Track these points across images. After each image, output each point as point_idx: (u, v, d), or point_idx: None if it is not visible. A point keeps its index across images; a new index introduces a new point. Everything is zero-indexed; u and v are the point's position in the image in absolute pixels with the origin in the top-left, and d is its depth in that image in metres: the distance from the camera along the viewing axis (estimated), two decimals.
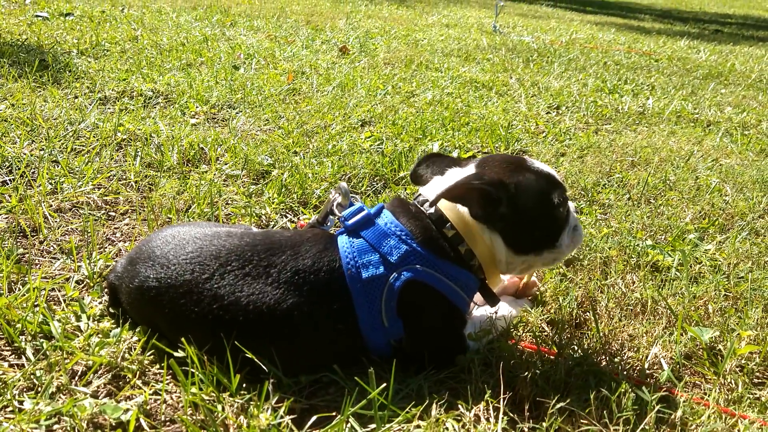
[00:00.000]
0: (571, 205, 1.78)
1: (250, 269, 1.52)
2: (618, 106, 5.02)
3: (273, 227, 2.38)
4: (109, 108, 3.59)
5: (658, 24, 13.31)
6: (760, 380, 1.72)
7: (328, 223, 1.78)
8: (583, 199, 2.92)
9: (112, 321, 1.69)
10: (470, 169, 1.70)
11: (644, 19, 14.44)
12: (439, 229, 1.63)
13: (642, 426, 1.41)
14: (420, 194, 1.73)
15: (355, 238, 1.60)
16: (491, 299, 1.71)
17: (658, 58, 7.82)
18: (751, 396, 1.64)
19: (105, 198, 2.44)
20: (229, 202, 2.51)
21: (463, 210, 1.65)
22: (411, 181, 1.86)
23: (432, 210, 1.65)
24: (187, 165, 2.86)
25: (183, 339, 1.46)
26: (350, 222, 1.63)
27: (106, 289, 1.75)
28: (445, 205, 1.65)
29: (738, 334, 1.84)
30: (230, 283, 1.50)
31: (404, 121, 3.84)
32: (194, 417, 1.39)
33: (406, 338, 1.58)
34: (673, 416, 1.50)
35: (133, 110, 3.55)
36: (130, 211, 2.38)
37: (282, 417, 1.39)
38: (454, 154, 3.33)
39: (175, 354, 1.49)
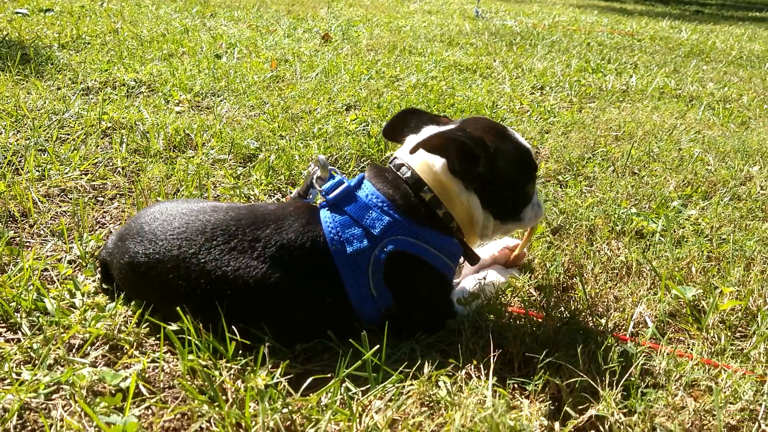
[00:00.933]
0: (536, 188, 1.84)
1: (235, 244, 1.54)
2: (602, 85, 5.07)
3: None
4: (92, 98, 3.58)
5: (640, 6, 13.38)
6: (742, 333, 1.77)
7: (310, 196, 1.78)
8: (568, 173, 2.96)
9: (107, 297, 1.71)
10: (451, 127, 1.70)
11: (626, 1, 14.50)
12: (416, 194, 1.62)
13: (627, 376, 1.45)
14: (396, 157, 1.71)
15: (336, 212, 1.60)
16: (472, 259, 1.73)
17: (640, 38, 7.88)
18: (734, 348, 1.68)
19: (93, 183, 2.45)
20: (217, 184, 2.53)
21: (439, 170, 1.63)
22: (384, 136, 1.84)
23: (408, 174, 1.64)
24: (173, 150, 2.87)
25: (178, 308, 1.48)
26: (331, 196, 1.63)
27: (98, 266, 1.76)
28: (421, 168, 1.64)
29: (720, 291, 1.89)
30: (216, 257, 1.52)
31: (389, 104, 3.86)
32: (193, 382, 1.42)
33: (396, 306, 1.60)
34: (657, 368, 1.54)
35: (117, 100, 3.55)
36: (118, 195, 2.40)
37: (278, 379, 1.41)
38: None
39: (170, 326, 1.51)
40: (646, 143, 3.42)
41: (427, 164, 1.65)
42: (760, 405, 1.45)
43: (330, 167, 1.71)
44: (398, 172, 1.66)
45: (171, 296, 1.54)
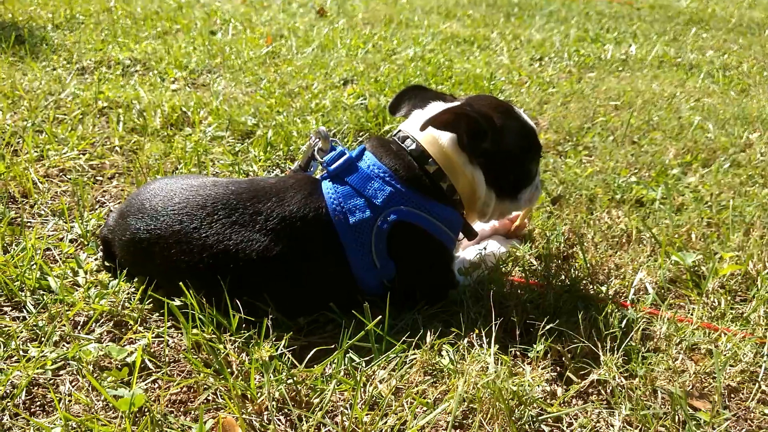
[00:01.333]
0: (539, 170, 1.82)
1: (237, 217, 1.54)
2: (600, 55, 5.03)
3: None
4: (87, 78, 3.56)
5: None
6: (742, 297, 1.78)
7: (312, 168, 1.78)
8: (567, 143, 2.95)
9: (109, 274, 1.72)
10: (458, 103, 1.70)
11: None
12: (421, 166, 1.63)
13: (627, 341, 1.47)
14: (400, 130, 1.71)
15: (338, 183, 1.60)
16: (470, 233, 1.74)
17: (639, 7, 7.80)
18: (734, 312, 1.69)
19: (91, 163, 2.44)
20: (216, 161, 2.52)
21: (445, 144, 1.64)
22: (390, 112, 1.85)
23: (413, 146, 1.64)
24: (170, 128, 2.86)
25: (181, 284, 1.49)
26: (333, 167, 1.63)
27: (100, 244, 1.77)
28: (426, 141, 1.64)
29: (720, 256, 1.89)
30: (219, 231, 1.52)
31: (386, 77, 3.84)
32: (198, 356, 1.43)
33: (398, 277, 1.61)
34: (658, 332, 1.55)
35: (112, 79, 3.53)
36: (117, 174, 2.39)
37: (282, 350, 1.43)
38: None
39: (174, 301, 1.52)
40: (645, 112, 3.41)
41: (432, 137, 1.65)
42: (760, 367, 1.47)
43: (331, 139, 1.71)
44: (403, 144, 1.66)
45: (173, 272, 1.54)
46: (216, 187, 1.60)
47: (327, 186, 1.60)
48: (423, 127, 1.60)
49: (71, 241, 1.90)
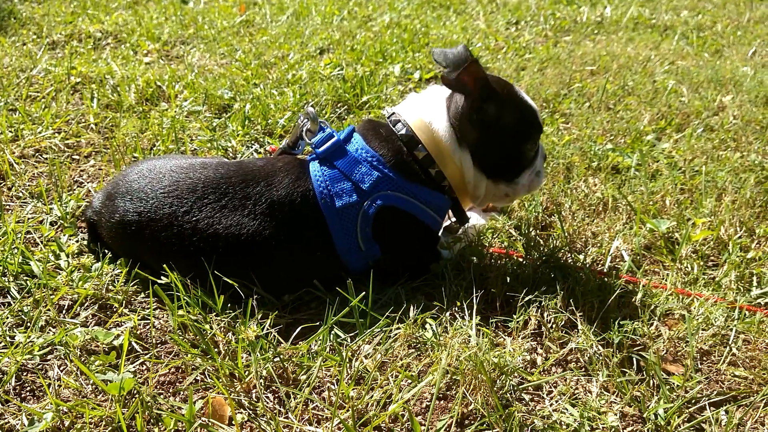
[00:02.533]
0: (542, 150, 1.79)
1: (226, 202, 1.55)
2: (576, 17, 5.02)
3: (241, 158, 2.39)
4: (58, 52, 3.49)
5: None
6: (714, 262, 1.84)
7: (299, 148, 1.78)
8: (545, 110, 2.97)
9: (92, 256, 1.72)
10: None
11: None
12: (410, 151, 1.63)
13: (605, 310, 1.51)
14: (393, 113, 1.70)
15: (326, 166, 1.60)
16: (461, 218, 1.75)
17: None
18: (706, 276, 1.75)
19: (67, 142, 2.41)
20: (194, 137, 2.51)
21: (436, 129, 1.63)
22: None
23: (404, 131, 1.64)
24: (146, 104, 2.82)
25: (165, 266, 1.50)
26: (320, 149, 1.63)
27: (84, 226, 1.77)
28: (416, 126, 1.64)
29: (693, 222, 1.94)
30: (209, 215, 1.53)
31: (363, 46, 3.81)
32: (184, 337, 1.45)
33: (383, 258, 1.63)
34: (633, 300, 1.60)
35: (84, 53, 3.46)
36: (93, 152, 2.37)
37: (268, 329, 1.45)
38: (416, 75, 3.34)
39: (159, 281, 1.54)
40: (620, 77, 3.43)
41: (423, 122, 1.64)
42: (731, 330, 1.52)
43: (320, 120, 1.70)
44: (394, 128, 1.66)
45: (163, 254, 1.55)
46: (206, 169, 1.60)
47: (315, 168, 1.61)
48: (454, 81, 1.56)
49: (51, 223, 1.89)
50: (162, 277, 1.54)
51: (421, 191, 1.62)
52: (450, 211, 1.75)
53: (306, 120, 1.71)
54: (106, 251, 1.69)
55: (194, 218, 1.53)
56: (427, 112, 1.65)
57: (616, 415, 1.28)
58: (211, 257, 1.51)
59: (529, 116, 1.68)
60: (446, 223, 1.88)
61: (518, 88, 1.72)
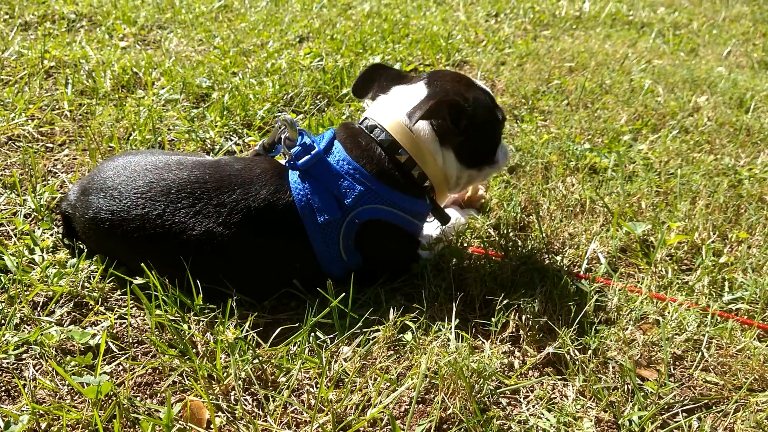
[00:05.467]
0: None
1: (200, 207, 1.51)
2: (555, 11, 5.04)
3: (219, 151, 2.37)
4: (31, 34, 3.40)
5: None
6: (687, 267, 1.87)
7: (276, 150, 1.73)
8: (523, 107, 2.98)
9: (67, 252, 1.69)
10: (421, 87, 1.68)
11: None
12: (391, 156, 1.61)
13: (582, 314, 1.53)
14: (366, 118, 1.69)
15: (307, 179, 1.57)
16: (442, 218, 1.75)
17: None
18: (680, 281, 1.78)
19: (40, 129, 2.36)
20: (171, 127, 2.47)
21: (414, 131, 1.63)
22: (353, 95, 1.83)
23: (383, 136, 1.62)
24: (121, 90, 2.77)
25: (143, 264, 1.48)
26: (301, 162, 1.58)
27: (59, 219, 1.73)
28: (394, 129, 1.63)
29: (668, 226, 1.97)
30: (181, 221, 1.50)
31: (343, 35, 3.78)
32: (162, 337, 1.44)
33: (365, 265, 1.63)
34: (609, 304, 1.62)
35: (57, 35, 3.38)
36: (68, 141, 2.33)
37: (247, 331, 1.45)
38: (396, 68, 3.32)
39: (136, 280, 1.52)
40: (598, 75, 3.46)
41: (399, 124, 1.63)
42: (703, 336, 1.56)
43: (299, 128, 1.66)
44: (371, 134, 1.64)
45: (135, 254, 1.53)
46: (181, 170, 1.56)
47: (295, 180, 1.57)
48: (414, 123, 1.59)
49: (25, 215, 1.85)
50: (140, 276, 1.52)
51: (402, 199, 1.61)
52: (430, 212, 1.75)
53: (284, 127, 1.66)
54: (82, 246, 1.67)
55: (167, 222, 1.50)
56: (402, 114, 1.63)
57: (591, 420, 1.30)
58: (183, 262, 1.49)
59: (494, 104, 1.74)
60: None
61: (473, 80, 1.76)
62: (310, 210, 1.54)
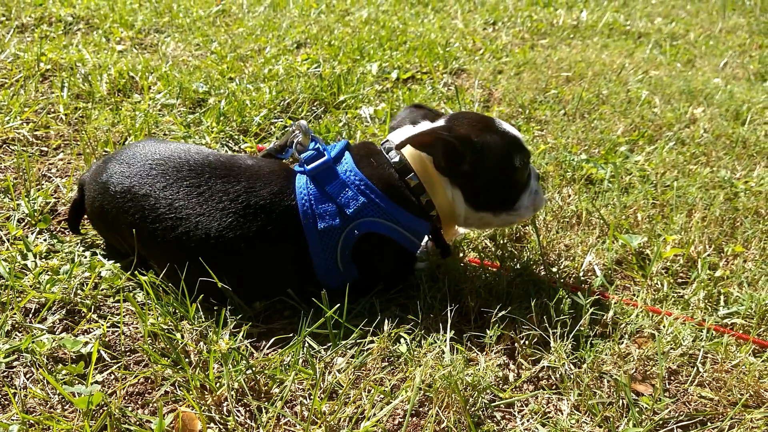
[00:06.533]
0: (534, 170, 1.77)
1: (204, 189, 1.55)
2: (553, 20, 5.06)
3: None
4: (28, 36, 3.39)
5: None
6: (683, 280, 1.87)
7: (286, 153, 1.76)
8: (521, 117, 2.98)
9: (61, 257, 1.68)
10: (440, 123, 1.69)
11: None
12: (402, 178, 1.61)
13: (577, 327, 1.53)
14: (388, 140, 1.69)
15: (313, 185, 1.58)
16: (444, 249, 1.73)
17: None
18: (675, 295, 1.78)
19: (35, 133, 2.35)
20: (167, 132, 2.46)
21: (428, 160, 1.62)
22: (390, 131, 1.79)
23: (398, 158, 1.62)
24: (117, 95, 2.76)
25: (137, 272, 1.48)
26: (310, 167, 1.60)
27: (60, 219, 1.74)
28: (411, 155, 1.63)
29: (664, 239, 1.97)
30: (185, 198, 1.54)
31: (340, 41, 3.78)
32: (154, 346, 1.42)
33: (361, 277, 1.62)
34: (605, 317, 1.62)
35: (54, 38, 3.38)
36: (63, 145, 2.31)
37: (241, 341, 1.44)
38: (393, 75, 3.33)
39: (131, 279, 1.51)
40: (595, 85, 3.47)
41: (416, 152, 1.63)
42: (699, 350, 1.55)
43: (312, 135, 1.67)
44: (387, 155, 1.64)
45: (137, 226, 1.55)
46: (198, 154, 1.63)
47: (301, 184, 1.58)
48: (401, 146, 1.59)
49: (19, 220, 1.84)
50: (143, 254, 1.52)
51: (403, 216, 1.60)
52: (432, 240, 1.74)
53: (298, 132, 1.69)
54: (76, 251, 1.66)
55: (170, 197, 1.54)
56: None
57: None
58: (180, 241, 1.51)
59: (514, 149, 1.66)
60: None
61: (498, 122, 1.70)
62: (311, 215, 1.54)
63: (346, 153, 1.65)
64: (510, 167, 1.66)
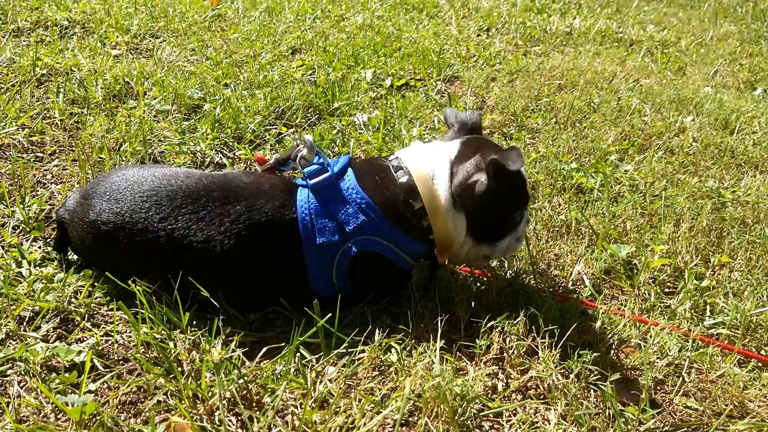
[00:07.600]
0: (527, 215, 1.79)
1: (203, 215, 1.54)
2: (546, 27, 5.09)
3: (209, 164, 2.37)
4: (23, 40, 3.40)
5: None
6: (670, 290, 1.90)
7: (288, 165, 1.77)
8: (513, 125, 3.01)
9: (55, 265, 1.69)
10: (455, 144, 1.69)
11: None
12: (406, 200, 1.61)
13: (565, 338, 1.55)
14: (397, 157, 1.69)
15: (314, 199, 1.59)
16: (433, 268, 1.75)
17: None
18: (662, 305, 1.81)
19: (31, 138, 2.36)
20: (162, 139, 2.48)
21: (435, 185, 1.62)
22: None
23: (404, 179, 1.62)
24: (113, 100, 2.78)
25: (130, 282, 1.49)
26: (312, 181, 1.61)
27: (51, 230, 1.74)
28: (418, 176, 1.63)
29: (651, 249, 2.00)
30: (184, 227, 1.52)
31: (335, 47, 3.80)
32: (147, 355, 1.44)
33: (355, 292, 1.65)
34: (593, 327, 1.64)
35: (50, 42, 3.38)
36: (58, 151, 2.33)
37: (233, 351, 1.45)
38: (387, 82, 3.35)
39: (125, 286, 1.52)
40: (587, 93, 3.50)
41: (425, 175, 1.63)
42: (684, 360, 1.58)
43: (317, 149, 1.68)
44: (395, 174, 1.64)
45: (135, 259, 1.55)
46: (189, 178, 1.60)
47: (302, 198, 1.59)
48: (510, 165, 1.54)
49: (13, 228, 1.85)
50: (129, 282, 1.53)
51: (401, 237, 1.61)
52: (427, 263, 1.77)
53: (302, 147, 1.69)
54: (71, 258, 1.67)
55: (169, 227, 1.52)
56: (431, 167, 1.64)
57: None
58: (179, 267, 1.51)
59: (524, 187, 1.69)
60: None
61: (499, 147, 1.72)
62: (310, 229, 1.56)
63: (349, 170, 1.66)
64: (517, 203, 1.69)
